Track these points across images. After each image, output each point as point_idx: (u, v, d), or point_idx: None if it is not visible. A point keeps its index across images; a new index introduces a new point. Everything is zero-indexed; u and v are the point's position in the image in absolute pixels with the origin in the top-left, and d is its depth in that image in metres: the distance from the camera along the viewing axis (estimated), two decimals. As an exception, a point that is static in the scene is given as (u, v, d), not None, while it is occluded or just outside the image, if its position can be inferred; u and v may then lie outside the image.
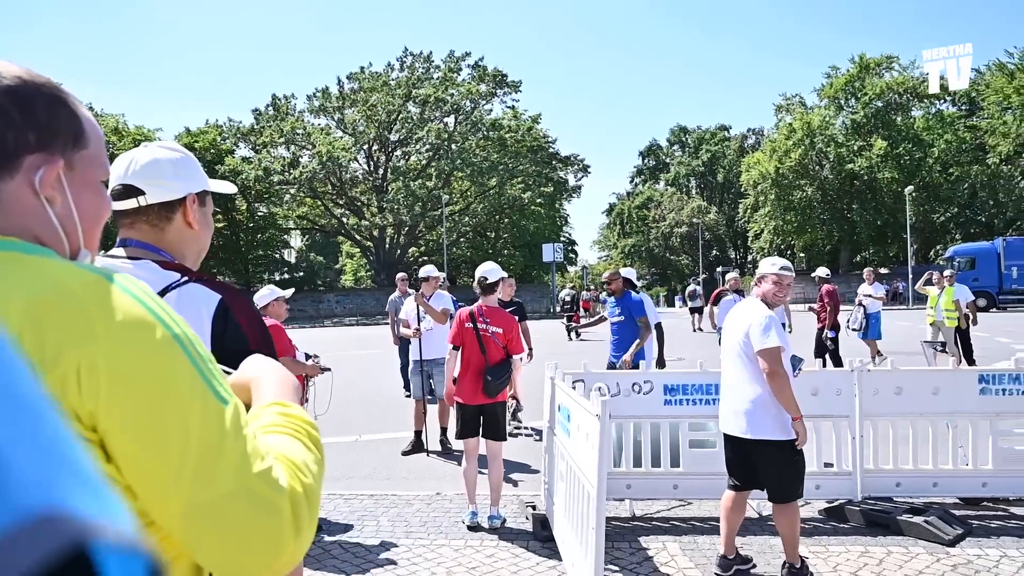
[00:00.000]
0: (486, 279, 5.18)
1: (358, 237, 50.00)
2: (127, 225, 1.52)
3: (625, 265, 75.05)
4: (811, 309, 11.37)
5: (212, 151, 45.35)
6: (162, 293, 1.40)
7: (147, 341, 0.75)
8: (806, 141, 46.69)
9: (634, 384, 5.00)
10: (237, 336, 1.39)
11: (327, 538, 4.60)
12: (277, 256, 54.56)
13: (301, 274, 56.48)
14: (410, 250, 50.28)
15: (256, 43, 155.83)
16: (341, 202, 50.09)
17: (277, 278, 54.06)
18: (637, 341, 6.64)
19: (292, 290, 5.66)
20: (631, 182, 78.16)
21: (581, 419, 3.42)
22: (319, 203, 49.81)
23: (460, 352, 5.03)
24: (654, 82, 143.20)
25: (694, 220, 63.21)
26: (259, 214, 47.90)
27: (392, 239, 48.74)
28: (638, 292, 7.18)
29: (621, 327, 6.94)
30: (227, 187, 1.74)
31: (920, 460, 4.96)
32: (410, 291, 7.42)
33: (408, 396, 8.53)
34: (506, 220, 51.00)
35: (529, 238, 50.36)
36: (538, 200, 48.93)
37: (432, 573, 4.00)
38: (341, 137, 48.06)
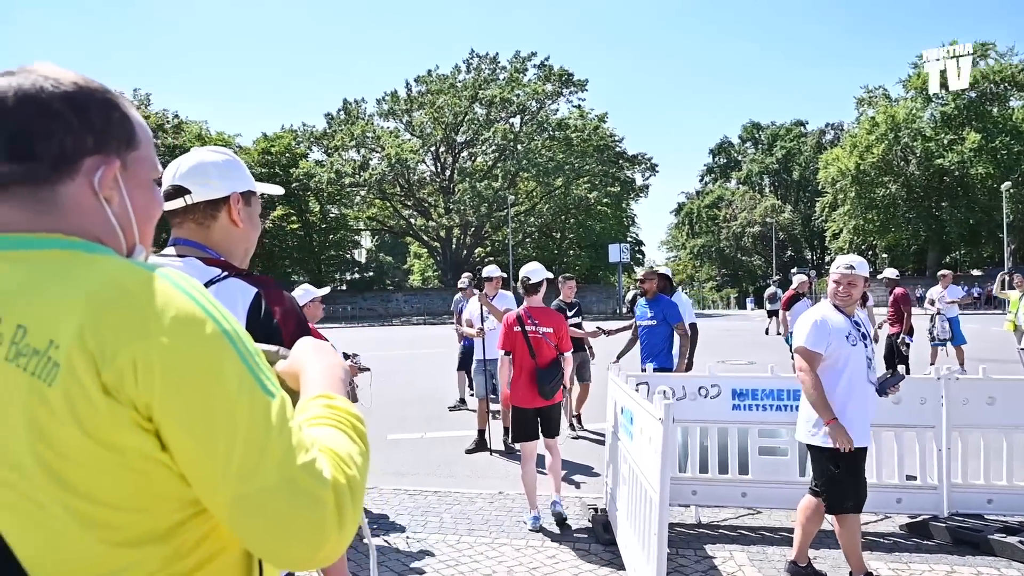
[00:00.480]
0: (528, 279, 5.13)
1: (425, 238, 50.83)
2: (177, 224, 1.61)
3: (694, 266, 72.84)
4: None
5: (287, 155, 47.07)
6: None
7: (198, 337, 0.78)
8: (890, 136, 44.50)
9: (700, 388, 4.87)
10: (269, 327, 1.44)
11: (392, 533, 4.68)
12: (348, 256, 56.12)
13: (371, 274, 57.94)
14: (476, 250, 50.77)
15: (330, 49, 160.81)
16: (409, 203, 51.04)
17: (348, 278, 55.64)
18: (681, 350, 6.33)
19: (327, 289, 5.70)
20: (701, 181, 76.60)
21: (644, 422, 3.36)
22: (388, 204, 50.92)
23: (512, 357, 5.02)
24: (725, 78, 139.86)
25: (767, 219, 61.29)
26: (331, 216, 49.39)
27: (459, 239, 49.31)
28: (674, 290, 6.98)
29: (651, 332, 6.43)
30: (274, 189, 1.81)
31: (1016, 476, 4.64)
32: (475, 292, 7.47)
33: (472, 395, 8.62)
34: (572, 220, 50.80)
35: (595, 238, 50.01)
36: (604, 200, 48.53)
37: (493, 571, 4.01)
38: (409, 139, 48.99)
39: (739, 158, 74.02)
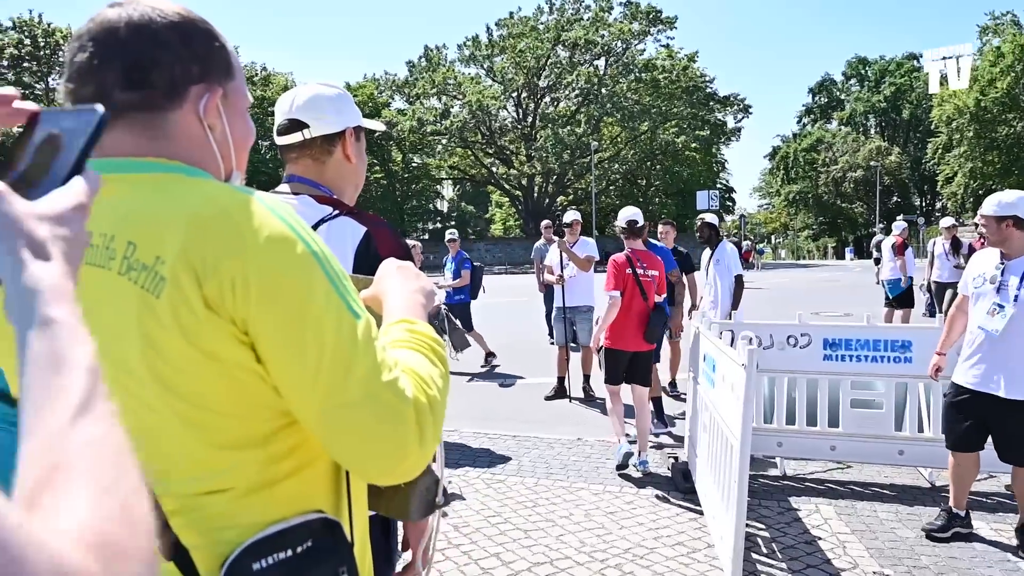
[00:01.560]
0: (636, 222, 5.19)
1: (507, 186, 50.85)
2: (292, 160, 1.62)
3: (789, 214, 69.64)
4: None
5: (370, 104, 47.75)
6: (315, 226, 1.49)
7: (289, 256, 0.81)
8: (1018, 67, 40.47)
9: (789, 336, 4.71)
10: (375, 266, 1.47)
11: (472, 471, 4.85)
12: (431, 207, 57.00)
13: (453, 223, 58.70)
14: (559, 199, 50.39)
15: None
16: (491, 151, 51.01)
17: (430, 227, 56.65)
18: (725, 298, 6.46)
19: (423, 240, 5.85)
20: (798, 122, 72.67)
21: (726, 369, 3.29)
22: (469, 153, 51.06)
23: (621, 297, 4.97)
24: (828, 8, 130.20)
25: (871, 163, 57.51)
26: (413, 165, 50.07)
27: (541, 188, 49.05)
28: (720, 240, 6.74)
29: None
30: (378, 125, 1.82)
31: None
32: (554, 238, 7.43)
33: (552, 343, 8.68)
34: (658, 166, 49.51)
35: (682, 185, 48.63)
36: (693, 144, 46.91)
37: (571, 513, 4.10)
38: (490, 85, 48.68)
39: (842, 97, 69.53)
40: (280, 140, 1.63)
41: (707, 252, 6.82)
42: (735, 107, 50.98)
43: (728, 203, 57.96)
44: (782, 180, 67.74)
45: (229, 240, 0.80)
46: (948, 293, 9.66)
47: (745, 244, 28.85)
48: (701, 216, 6.69)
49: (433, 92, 48.45)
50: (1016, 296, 3.38)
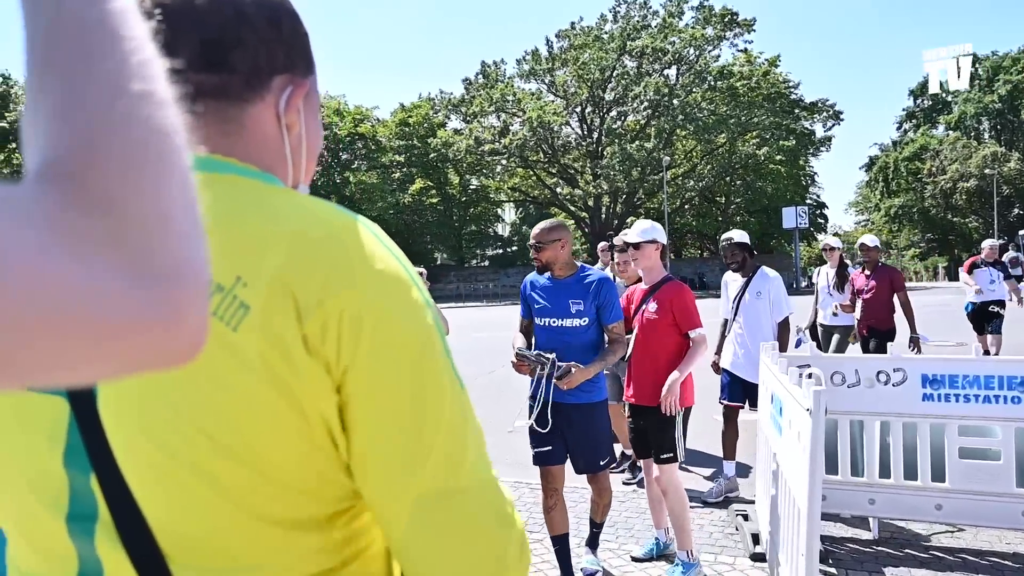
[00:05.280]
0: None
1: (572, 208, 50.76)
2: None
3: (891, 231, 67.24)
4: None
5: (425, 125, 48.83)
6: None
7: (408, 300, 0.72)
8: None
9: (879, 372, 4.26)
10: None
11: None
12: (491, 231, 57.40)
13: (515, 248, 58.85)
14: (628, 219, 49.91)
15: (466, 10, 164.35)
16: (553, 171, 51.15)
17: (490, 253, 56.98)
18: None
19: (423, 271, 5.68)
20: (899, 129, 70.12)
21: (793, 413, 2.92)
22: (531, 173, 51.33)
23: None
24: (927, 0, 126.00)
25: (986, 171, 54.72)
26: (471, 187, 50.71)
27: (608, 208, 48.72)
28: (752, 258, 5.50)
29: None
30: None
31: None
32: (615, 262, 7.12)
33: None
34: (738, 182, 48.61)
35: (766, 202, 47.54)
36: (777, 157, 45.80)
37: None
38: (552, 100, 49.02)
39: (948, 98, 66.60)
40: None
41: (735, 280, 5.54)
42: (824, 114, 49.64)
43: (819, 220, 56.12)
44: (882, 193, 65.40)
45: (340, 270, 0.69)
46: None
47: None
48: (728, 235, 5.61)
49: (491, 110, 49.09)
50: None
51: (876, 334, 7.06)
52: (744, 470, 5.66)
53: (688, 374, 3.82)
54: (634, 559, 4.11)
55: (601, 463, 3.65)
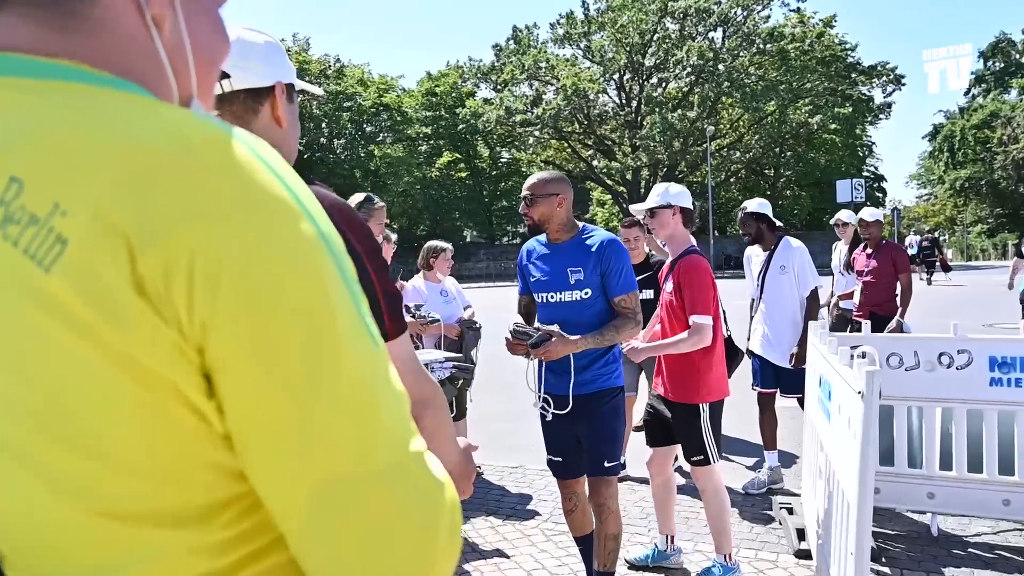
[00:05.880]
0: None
1: (609, 182, 50.36)
2: None
3: (956, 206, 65.44)
4: None
5: (453, 94, 48.64)
6: None
7: (292, 236, 0.59)
8: None
9: (941, 354, 4.10)
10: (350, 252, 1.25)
11: (531, 519, 4.51)
12: (522, 207, 57.24)
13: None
14: (669, 194, 49.40)
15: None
16: (589, 142, 50.68)
17: (522, 230, 56.83)
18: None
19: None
20: (966, 94, 67.73)
21: (843, 397, 2.79)
22: (565, 145, 50.92)
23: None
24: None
25: (1064, 140, 52.95)
26: (502, 161, 50.49)
27: (647, 182, 48.17)
28: (773, 230, 5.26)
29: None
30: (315, 89, 1.70)
31: None
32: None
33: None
34: (788, 153, 47.65)
35: (819, 174, 46.57)
36: (832, 125, 44.82)
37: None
38: (588, 67, 48.49)
39: (1023, 60, 64.44)
40: None
41: (757, 255, 5.40)
42: (884, 79, 48.31)
43: (877, 194, 54.83)
44: (946, 165, 63.59)
45: (193, 194, 0.56)
46: None
47: (912, 239, 26.84)
48: (743, 206, 5.40)
49: (523, 78, 48.67)
50: None
51: (878, 320, 6.27)
52: (789, 460, 5.53)
53: (716, 366, 3.61)
54: (627, 563, 3.91)
55: (606, 464, 3.16)
